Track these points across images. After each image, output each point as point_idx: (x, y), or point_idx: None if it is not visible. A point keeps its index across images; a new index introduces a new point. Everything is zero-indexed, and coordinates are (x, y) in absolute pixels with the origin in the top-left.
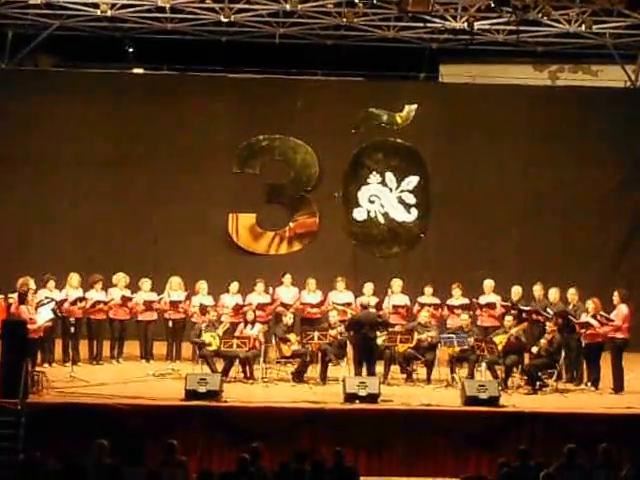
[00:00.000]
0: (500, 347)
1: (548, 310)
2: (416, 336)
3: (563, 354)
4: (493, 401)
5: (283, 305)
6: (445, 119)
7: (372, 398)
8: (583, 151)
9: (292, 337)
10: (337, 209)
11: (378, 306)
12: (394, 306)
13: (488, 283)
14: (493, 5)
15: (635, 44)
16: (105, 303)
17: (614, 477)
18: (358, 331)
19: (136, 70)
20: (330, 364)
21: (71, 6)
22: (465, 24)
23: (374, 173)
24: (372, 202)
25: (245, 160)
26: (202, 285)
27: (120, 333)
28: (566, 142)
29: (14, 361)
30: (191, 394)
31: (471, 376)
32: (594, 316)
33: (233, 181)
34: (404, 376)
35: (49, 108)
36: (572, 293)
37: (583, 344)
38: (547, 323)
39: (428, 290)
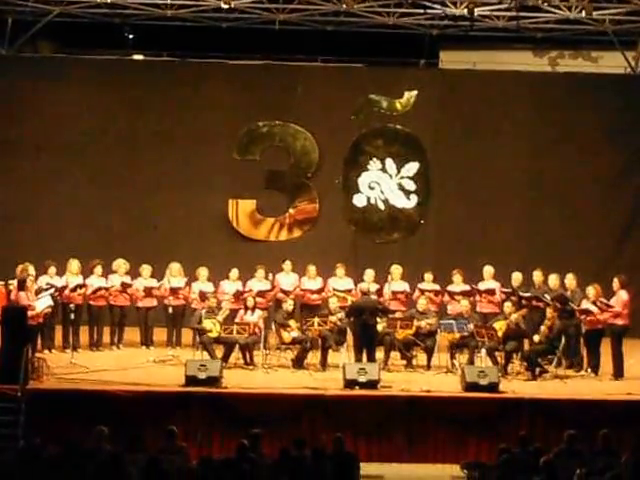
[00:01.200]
0: (500, 333)
1: (546, 296)
2: (415, 323)
3: (563, 340)
4: (493, 387)
5: (283, 291)
6: (445, 105)
7: (372, 384)
8: (583, 137)
9: (292, 323)
10: (337, 195)
11: (379, 292)
12: (393, 292)
13: (488, 269)
14: None
15: (635, 30)
16: (106, 289)
17: (614, 463)
18: (358, 317)
19: (136, 56)
20: (330, 350)
21: None
22: (465, 10)
23: (374, 159)
24: (372, 188)
25: (245, 146)
26: (202, 272)
27: (120, 319)
28: (566, 128)
29: (14, 347)
30: (191, 380)
31: (471, 362)
32: (594, 302)
33: (233, 167)
34: (404, 362)
35: (49, 94)
36: (570, 279)
37: (583, 330)
38: (547, 309)
39: (428, 276)
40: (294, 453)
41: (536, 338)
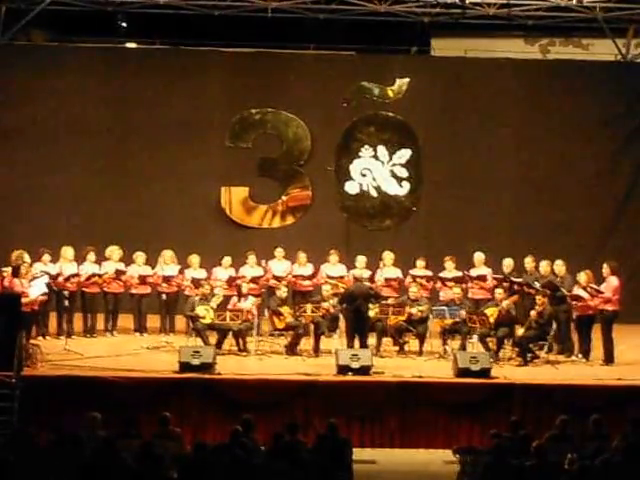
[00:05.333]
0: (491, 319)
1: (536, 283)
2: (407, 309)
3: (554, 326)
4: (485, 373)
5: (275, 278)
6: (437, 93)
7: (364, 370)
8: (574, 124)
9: (285, 310)
10: (329, 182)
11: (371, 279)
12: (386, 279)
13: (479, 256)
14: None
15: (625, 17)
16: (99, 276)
17: (605, 448)
18: (351, 303)
19: (129, 44)
20: (323, 336)
21: None
22: None
23: (366, 147)
24: (364, 175)
25: (238, 134)
26: (194, 259)
27: (114, 306)
28: (557, 115)
29: (8, 334)
30: (185, 367)
31: (463, 348)
32: (584, 288)
33: (226, 155)
34: (396, 348)
35: (42, 83)
36: (559, 265)
37: (574, 316)
38: (537, 296)
39: (420, 263)
40: (287, 438)
41: (525, 322)
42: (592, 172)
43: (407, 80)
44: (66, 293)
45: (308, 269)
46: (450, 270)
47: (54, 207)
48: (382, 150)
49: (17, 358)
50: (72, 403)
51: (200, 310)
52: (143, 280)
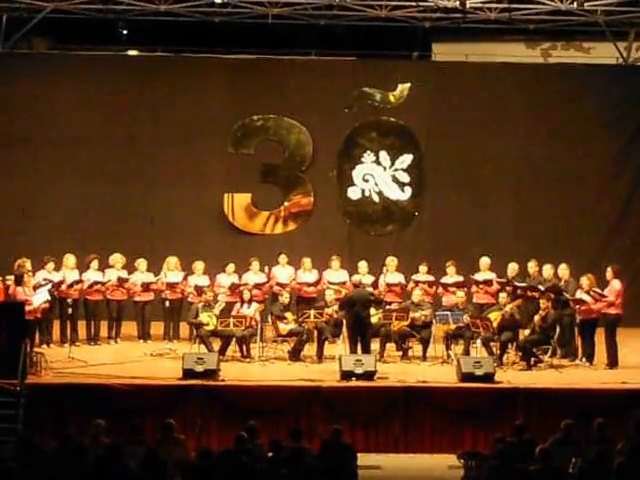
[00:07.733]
0: (495, 324)
1: (540, 287)
2: (410, 315)
3: (557, 330)
4: (488, 377)
5: (279, 284)
6: (438, 97)
7: (368, 375)
8: (575, 128)
9: (288, 316)
10: (332, 188)
11: (374, 285)
12: (388, 284)
13: (484, 260)
14: None
15: (626, 21)
16: (102, 284)
17: (609, 452)
18: (351, 309)
19: (130, 52)
20: (326, 342)
21: None
22: (457, 2)
23: (368, 152)
24: (366, 181)
25: (240, 140)
26: (198, 265)
27: (117, 314)
28: (559, 119)
29: (12, 342)
30: (188, 373)
31: (467, 353)
32: (588, 292)
33: (228, 161)
34: (400, 353)
35: (44, 91)
36: (563, 269)
37: (578, 320)
38: (541, 300)
39: (423, 268)
40: (290, 444)
41: (529, 326)
42: (594, 175)
43: (408, 85)
44: (69, 301)
45: (313, 275)
46: (452, 275)
47: (56, 215)
48: (384, 155)
49: (21, 366)
50: (76, 410)
51: (203, 317)
52: (146, 287)
